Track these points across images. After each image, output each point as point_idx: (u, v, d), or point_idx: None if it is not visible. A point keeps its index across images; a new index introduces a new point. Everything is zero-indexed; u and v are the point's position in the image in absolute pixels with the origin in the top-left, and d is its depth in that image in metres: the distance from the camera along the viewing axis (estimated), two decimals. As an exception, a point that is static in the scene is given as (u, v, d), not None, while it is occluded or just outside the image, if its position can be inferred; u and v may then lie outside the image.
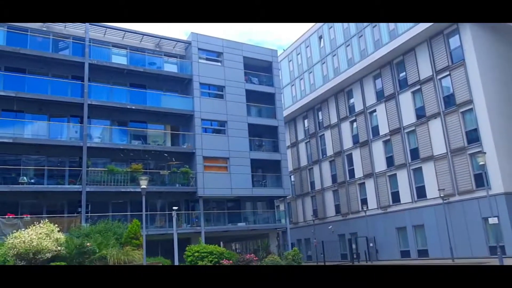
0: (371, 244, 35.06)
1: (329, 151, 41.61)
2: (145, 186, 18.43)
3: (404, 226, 32.95)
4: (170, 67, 31.16)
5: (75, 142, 25.81)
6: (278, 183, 32.74)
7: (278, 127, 33.41)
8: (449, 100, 29.96)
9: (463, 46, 28.90)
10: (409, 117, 32.85)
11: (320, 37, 42.93)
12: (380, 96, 35.81)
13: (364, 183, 37.17)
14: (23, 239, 17.29)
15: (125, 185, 26.09)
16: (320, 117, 43.50)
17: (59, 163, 26.26)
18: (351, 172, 38.68)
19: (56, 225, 18.99)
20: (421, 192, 31.71)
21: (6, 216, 22.16)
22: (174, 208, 23.48)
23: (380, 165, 35.39)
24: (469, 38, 28.52)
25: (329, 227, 40.09)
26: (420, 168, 31.83)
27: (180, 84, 31.08)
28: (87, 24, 27.51)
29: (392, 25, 33.54)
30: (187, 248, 24.56)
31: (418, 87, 32.13)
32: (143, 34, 30.23)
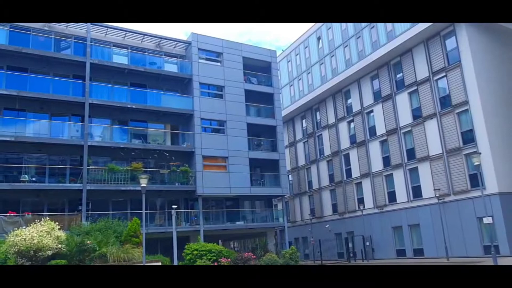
0: (367, 243, 35.11)
1: (327, 151, 41.64)
2: (145, 185, 18.42)
3: (400, 225, 33.01)
4: (170, 67, 31.15)
5: (76, 141, 25.79)
6: (276, 182, 32.76)
7: (276, 126, 33.41)
8: (445, 101, 30.00)
9: (459, 48, 28.94)
10: (405, 117, 32.90)
11: (319, 38, 42.94)
12: (377, 96, 35.84)
13: (361, 182, 37.22)
14: (24, 237, 17.26)
15: (125, 183, 26.10)
16: (318, 117, 43.52)
17: (60, 161, 26.25)
18: (348, 172, 38.73)
19: (57, 223, 18.96)
20: (417, 192, 31.76)
21: (8, 214, 22.17)
22: (173, 206, 23.48)
23: (377, 165, 35.43)
24: (465, 39, 28.56)
25: (326, 226, 40.13)
26: (416, 168, 31.88)
27: (180, 83, 31.07)
28: (88, 24, 27.48)
29: (389, 26, 33.57)
30: (186, 246, 24.58)
31: (415, 88, 32.16)
32: (144, 34, 30.22)
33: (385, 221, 34.17)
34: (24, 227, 18.36)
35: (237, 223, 30.90)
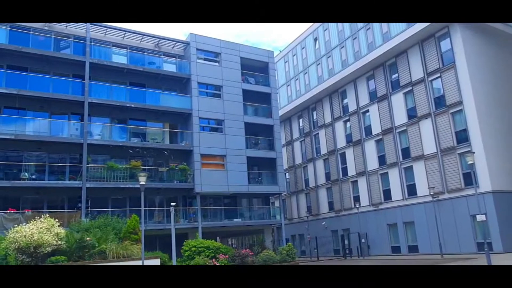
0: (363, 240, 35.18)
1: (323, 150, 41.68)
2: (144, 183, 18.38)
3: (395, 223, 33.09)
4: (169, 67, 31.10)
5: (75, 139, 25.73)
6: (273, 180, 32.78)
7: (273, 126, 33.42)
8: (439, 101, 30.08)
9: (454, 49, 29.02)
10: (400, 117, 32.97)
11: (315, 39, 42.97)
12: (373, 96, 35.91)
13: (356, 181, 37.28)
14: (24, 234, 17.20)
15: (124, 181, 26.04)
16: (315, 117, 43.56)
17: (60, 159, 26.19)
18: (344, 170, 38.78)
19: (57, 220, 18.88)
20: (411, 190, 31.85)
21: (8, 211, 22.09)
22: (172, 204, 23.45)
23: (372, 163, 35.50)
24: (459, 41, 28.64)
25: (323, 223, 40.20)
26: (411, 166, 31.95)
27: (179, 83, 31.05)
28: (88, 24, 27.41)
29: (385, 27, 33.64)
30: (184, 243, 24.56)
31: (410, 88, 32.24)
32: (143, 34, 30.16)
33: (381, 219, 34.25)
34: (24, 224, 18.31)
35: (235, 220, 30.90)
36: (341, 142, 39.42)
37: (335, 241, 39.51)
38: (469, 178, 26.58)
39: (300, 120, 46.09)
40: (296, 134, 46.72)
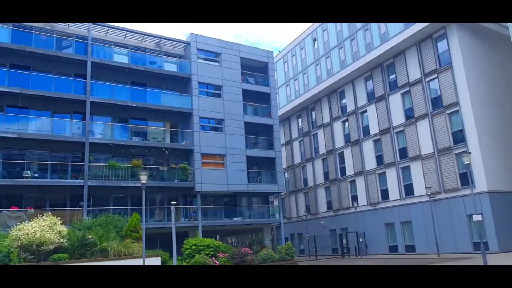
0: (360, 239, 35.27)
1: (322, 150, 41.74)
2: (145, 181, 18.40)
3: (392, 222, 33.17)
4: (170, 67, 31.11)
5: (77, 138, 25.74)
6: (272, 180, 32.82)
7: (273, 125, 33.47)
8: (436, 102, 30.16)
9: (451, 50, 29.09)
10: (398, 117, 33.04)
11: (314, 40, 43.00)
12: (371, 97, 35.97)
13: (354, 180, 37.35)
14: (27, 231, 17.20)
15: (125, 180, 26.06)
16: (313, 117, 43.61)
17: (62, 158, 26.19)
18: (343, 170, 38.85)
19: (59, 218, 18.86)
20: (409, 190, 31.92)
21: (11, 209, 22.09)
22: (172, 202, 23.44)
23: (370, 163, 35.58)
24: (456, 42, 28.71)
25: (321, 222, 40.26)
26: (408, 166, 32.03)
27: (179, 83, 31.06)
28: (89, 23, 27.42)
29: (383, 28, 33.69)
30: (185, 241, 24.55)
31: (407, 89, 32.30)
32: (144, 34, 30.18)
33: (378, 218, 34.32)
34: (26, 222, 18.30)
35: (235, 219, 30.97)
36: (339, 142, 39.48)
37: (333, 240, 39.59)
38: (466, 178, 26.60)
39: (299, 120, 46.14)
40: (295, 134, 46.77)
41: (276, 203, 36.01)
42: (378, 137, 34.89)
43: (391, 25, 32.79)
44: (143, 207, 18.76)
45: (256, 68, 34.43)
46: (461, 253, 26.58)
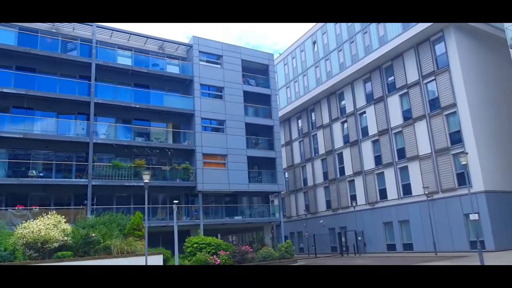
0: (359, 238, 35.19)
1: (321, 150, 41.68)
2: (147, 181, 18.40)
3: (390, 221, 33.09)
4: (172, 69, 31.13)
5: (82, 138, 25.77)
6: (273, 179, 32.80)
7: (273, 126, 33.46)
8: (434, 103, 30.09)
9: (448, 53, 29.02)
10: (396, 118, 32.97)
11: (314, 42, 42.96)
12: (370, 98, 35.91)
13: (353, 180, 37.28)
14: (32, 229, 17.23)
15: (128, 179, 26.09)
16: (313, 118, 43.55)
17: (67, 158, 26.21)
18: (342, 170, 38.78)
19: (63, 217, 18.90)
20: (406, 189, 31.84)
21: (16, 208, 22.13)
22: (174, 201, 23.45)
23: (369, 163, 35.51)
24: (453, 45, 28.65)
25: (320, 221, 40.20)
26: (406, 167, 31.95)
27: (182, 84, 31.06)
28: (94, 26, 27.49)
29: (381, 31, 33.64)
30: (186, 239, 24.58)
31: (406, 90, 32.24)
32: (147, 37, 30.20)
33: (376, 217, 34.25)
34: (31, 220, 18.31)
35: (236, 218, 30.95)
36: (338, 142, 39.42)
37: (332, 239, 39.52)
38: (463, 178, 26.62)
39: (299, 121, 46.09)
40: (295, 135, 46.72)
41: (276, 202, 35.97)
42: (377, 137, 34.83)
43: (389, 28, 32.74)
44: (146, 206, 18.75)
45: (257, 70, 34.44)
46: (458, 252, 26.50)
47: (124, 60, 29.14)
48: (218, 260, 23.25)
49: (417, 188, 30.57)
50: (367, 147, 35.94)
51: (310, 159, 43.29)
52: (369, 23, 34.93)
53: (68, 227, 18.80)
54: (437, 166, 29.21)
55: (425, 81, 30.69)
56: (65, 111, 26.44)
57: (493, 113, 28.79)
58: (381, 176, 34.39)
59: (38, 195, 24.74)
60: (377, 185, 34.63)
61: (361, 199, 35.93)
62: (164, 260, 20.72)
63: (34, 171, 24.05)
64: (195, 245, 23.80)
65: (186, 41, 32.71)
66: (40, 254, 17.48)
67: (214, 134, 30.57)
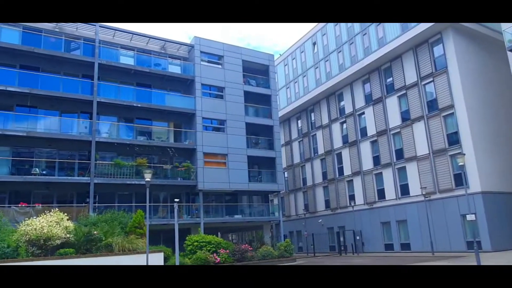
0: (357, 237, 35.19)
1: (320, 150, 41.68)
2: (149, 179, 18.42)
3: (388, 221, 33.09)
4: (174, 69, 31.11)
5: (84, 137, 25.77)
6: (272, 179, 32.80)
7: (273, 126, 33.46)
8: (432, 105, 30.08)
9: (446, 55, 29.01)
10: (395, 119, 32.96)
11: (314, 44, 42.94)
12: (369, 99, 35.90)
13: (352, 180, 37.28)
14: (35, 227, 17.26)
15: (130, 178, 26.11)
16: (313, 118, 43.54)
17: (69, 156, 26.22)
18: (340, 170, 38.78)
19: (66, 214, 18.94)
20: (404, 190, 31.84)
21: (19, 205, 22.15)
22: (175, 200, 23.44)
23: (367, 163, 35.50)
24: (451, 47, 28.64)
25: (319, 221, 40.21)
26: (404, 167, 31.95)
27: (183, 84, 31.05)
28: (97, 26, 27.49)
29: (380, 33, 33.62)
30: (187, 237, 24.59)
31: (404, 91, 32.23)
32: (150, 37, 30.18)
33: (375, 217, 34.26)
34: (34, 217, 18.34)
35: (235, 216, 30.95)
36: (337, 142, 39.42)
37: (331, 238, 39.53)
38: (460, 179, 26.60)
39: (299, 121, 46.08)
40: (294, 135, 46.71)
41: (275, 201, 35.97)
42: (375, 138, 34.82)
43: (388, 30, 32.73)
44: (147, 204, 18.78)
45: (257, 70, 34.43)
46: (454, 252, 26.51)
47: (127, 59, 29.13)
48: (218, 258, 23.26)
49: (414, 188, 30.57)
50: (365, 148, 35.94)
51: (310, 159, 43.29)
52: (368, 25, 34.92)
53: (70, 224, 18.82)
54: (435, 167, 29.20)
55: (423, 83, 30.68)
56: (68, 109, 26.45)
57: (491, 114, 28.79)
58: (379, 176, 34.39)
59: (41, 193, 24.75)
60: (376, 185, 34.62)
61: (359, 199, 35.94)
62: (165, 258, 20.73)
63: (37, 169, 24.05)
64: (195, 243, 23.82)
65: (188, 41, 32.68)
66: (43, 251, 17.50)
67: (214, 133, 30.57)
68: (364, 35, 35.64)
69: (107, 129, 27.95)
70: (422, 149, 30.32)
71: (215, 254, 23.45)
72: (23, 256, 17.03)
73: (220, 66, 32.08)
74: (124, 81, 28.80)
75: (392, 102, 33.38)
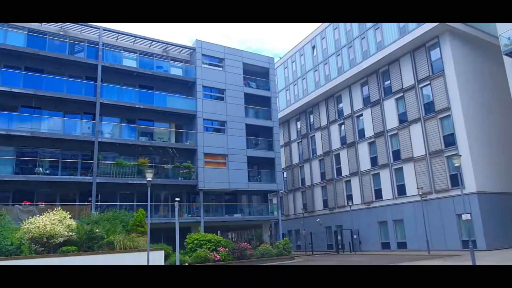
0: (355, 236, 35.09)
1: (319, 151, 41.59)
2: (150, 179, 18.33)
3: (385, 220, 32.98)
4: (176, 71, 31.05)
5: (87, 137, 25.71)
6: (272, 179, 32.73)
7: (273, 127, 33.39)
8: (429, 107, 29.99)
9: (443, 58, 28.93)
10: (392, 121, 32.88)
11: (313, 47, 42.87)
12: (367, 102, 35.81)
13: (350, 180, 37.18)
14: (38, 225, 17.19)
15: (132, 177, 26.05)
16: (312, 120, 43.46)
17: (72, 156, 26.16)
18: (339, 170, 38.68)
19: (68, 213, 18.87)
20: (401, 190, 31.74)
21: (23, 204, 22.07)
22: (176, 199, 23.38)
23: (365, 164, 35.40)
24: (448, 51, 28.56)
25: (317, 220, 40.11)
26: (401, 168, 31.85)
27: (185, 86, 30.99)
28: (101, 29, 27.45)
29: (379, 37, 33.55)
30: (187, 236, 24.53)
31: (401, 94, 32.15)
32: (152, 40, 30.13)
33: (372, 216, 34.15)
34: (38, 215, 18.27)
35: (235, 215, 30.86)
36: (335, 144, 39.33)
37: (329, 237, 39.42)
38: (456, 180, 26.55)
39: (298, 123, 46.00)
40: (293, 136, 46.63)
41: (274, 201, 35.91)
42: (373, 139, 34.73)
43: (386, 34, 32.66)
44: (148, 203, 18.70)
45: (257, 73, 34.37)
46: (450, 250, 26.39)
47: (130, 62, 29.09)
48: (218, 256, 23.18)
49: (411, 188, 30.47)
50: (363, 149, 35.84)
51: (308, 159, 43.20)
52: (366, 29, 34.85)
53: (73, 222, 18.75)
54: (431, 168, 29.11)
55: (420, 86, 30.59)
56: (72, 110, 26.40)
57: (486, 117, 28.70)
58: (376, 176, 34.29)
59: (44, 192, 24.69)
60: (373, 186, 34.53)
61: (357, 198, 35.83)
62: (166, 256, 20.65)
63: (40, 169, 23.99)
64: (195, 242, 23.75)
65: (190, 44, 32.61)
66: (46, 249, 17.42)
67: (215, 134, 30.50)
68: (362, 39, 35.57)
69: (110, 130, 27.89)
70: (419, 150, 30.23)
71: (214, 252, 23.37)
72: (26, 254, 16.95)
73: (221, 69, 32.03)
74: (126, 83, 28.76)
75: (389, 105, 33.30)
